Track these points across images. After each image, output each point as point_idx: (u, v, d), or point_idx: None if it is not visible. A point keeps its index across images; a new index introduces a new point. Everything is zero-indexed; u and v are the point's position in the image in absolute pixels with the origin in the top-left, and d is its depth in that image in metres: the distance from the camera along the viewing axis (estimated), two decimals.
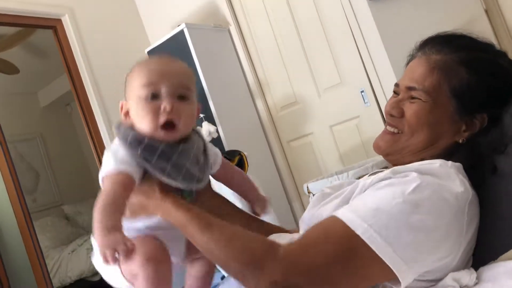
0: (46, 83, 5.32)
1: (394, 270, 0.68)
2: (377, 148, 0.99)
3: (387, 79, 2.53)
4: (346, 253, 0.69)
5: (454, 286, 0.73)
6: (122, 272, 0.78)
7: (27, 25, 3.17)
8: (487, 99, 0.88)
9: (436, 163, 0.81)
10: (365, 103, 2.70)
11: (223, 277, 2.70)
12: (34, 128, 5.28)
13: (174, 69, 0.85)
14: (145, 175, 0.83)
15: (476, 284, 0.74)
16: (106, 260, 0.68)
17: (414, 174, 0.75)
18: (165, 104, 0.80)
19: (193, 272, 0.95)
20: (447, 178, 0.77)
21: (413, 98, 0.91)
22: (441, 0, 2.47)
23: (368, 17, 2.54)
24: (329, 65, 2.83)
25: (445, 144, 0.90)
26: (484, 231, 0.81)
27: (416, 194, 0.72)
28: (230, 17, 3.21)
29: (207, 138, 2.63)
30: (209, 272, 0.95)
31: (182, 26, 2.90)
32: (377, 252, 0.68)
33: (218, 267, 0.92)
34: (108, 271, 0.86)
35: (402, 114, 0.92)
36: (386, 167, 0.96)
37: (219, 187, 1.02)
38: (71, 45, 3.17)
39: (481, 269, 0.77)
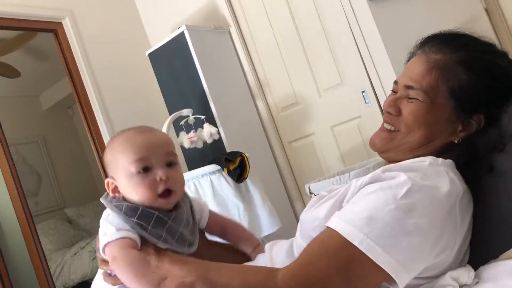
0: (47, 86, 5.33)
1: (394, 276, 0.68)
2: (373, 145, 1.00)
3: (388, 79, 2.53)
4: (344, 264, 0.69)
5: (454, 286, 0.73)
6: None
7: (28, 28, 3.18)
8: (485, 100, 0.87)
9: (426, 161, 0.81)
10: (366, 103, 2.70)
11: None
12: (36, 131, 5.29)
13: (158, 140, 0.88)
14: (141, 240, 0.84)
15: (476, 283, 0.74)
16: None
17: (404, 177, 0.75)
18: (160, 175, 0.83)
19: None
20: (436, 176, 0.77)
21: (410, 97, 0.91)
22: None
23: (368, 17, 2.54)
24: (330, 65, 2.83)
25: (440, 144, 0.90)
26: (483, 230, 0.81)
27: (408, 198, 0.72)
28: (230, 19, 3.21)
29: (209, 140, 2.63)
30: None
31: (183, 28, 2.90)
32: (375, 260, 0.68)
33: None
34: None
35: (399, 112, 0.93)
36: None
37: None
38: (72, 48, 3.18)
39: (481, 268, 0.77)
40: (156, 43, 3.18)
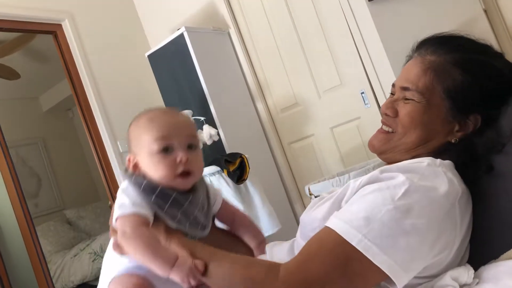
0: (47, 88, 5.34)
1: (391, 276, 0.69)
2: (371, 147, 1.01)
3: (387, 80, 2.53)
4: (342, 263, 0.70)
5: (454, 286, 0.73)
6: None
7: (28, 30, 3.18)
8: (480, 100, 0.88)
9: (424, 162, 0.82)
10: (365, 104, 2.71)
11: None
12: (35, 133, 5.29)
13: (182, 121, 0.90)
14: (155, 217, 0.85)
15: (477, 283, 0.74)
16: (194, 283, 0.75)
17: (402, 177, 0.76)
18: (181, 156, 0.83)
19: None
20: (434, 177, 0.78)
21: (407, 98, 0.92)
22: (440, 0, 2.47)
23: (367, 18, 2.54)
24: (329, 66, 2.83)
25: (437, 144, 0.91)
26: (483, 230, 0.81)
27: (405, 199, 0.73)
28: (229, 20, 3.21)
29: (208, 141, 2.63)
30: None
31: (182, 29, 2.90)
32: (373, 261, 0.68)
33: None
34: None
35: (396, 114, 0.94)
36: None
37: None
38: (71, 50, 3.19)
39: (482, 268, 0.77)
40: (156, 45, 3.18)
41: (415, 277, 0.75)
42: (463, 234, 0.78)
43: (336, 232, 0.72)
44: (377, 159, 2.25)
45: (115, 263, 0.85)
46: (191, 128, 0.90)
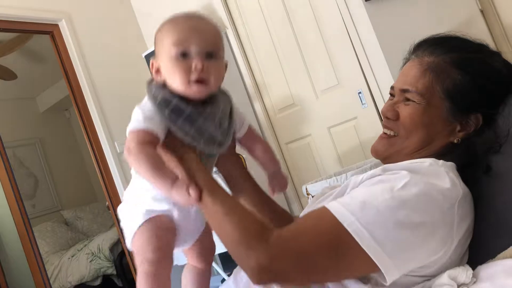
0: (44, 88, 5.32)
1: (378, 264, 0.69)
2: (375, 153, 1.01)
3: (384, 80, 2.54)
4: (333, 243, 0.71)
5: (452, 285, 0.73)
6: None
7: (24, 30, 3.17)
8: (480, 99, 0.88)
9: (426, 162, 0.82)
10: (362, 104, 2.71)
11: (223, 280, 2.70)
12: (33, 133, 5.28)
13: (203, 27, 0.86)
14: (168, 133, 0.85)
15: (474, 283, 0.74)
16: (190, 201, 0.76)
17: (404, 172, 0.77)
18: (195, 63, 0.82)
19: (190, 269, 0.97)
20: (436, 177, 0.78)
21: (407, 100, 0.92)
22: (437, 1, 2.48)
23: (364, 18, 2.55)
24: (326, 66, 2.84)
25: (440, 145, 0.91)
26: (481, 230, 0.82)
27: (404, 190, 0.73)
28: (227, 20, 3.21)
29: None
30: (206, 272, 0.97)
31: None
32: (361, 245, 0.69)
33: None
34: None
35: (397, 117, 0.94)
36: None
37: None
38: (68, 50, 3.17)
39: (479, 267, 0.78)
40: (153, 45, 3.17)
41: (413, 276, 0.76)
42: (461, 236, 0.78)
43: (331, 213, 0.73)
44: (374, 159, 2.25)
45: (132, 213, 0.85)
46: (215, 36, 0.87)
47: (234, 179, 0.93)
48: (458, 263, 0.80)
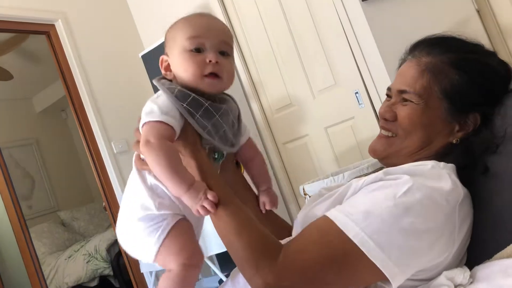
0: (40, 88, 5.31)
1: (386, 274, 0.69)
2: (373, 152, 1.00)
3: (381, 80, 2.54)
4: (338, 255, 0.70)
5: (449, 286, 0.73)
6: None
7: (20, 31, 3.16)
8: (478, 99, 0.88)
9: (428, 165, 0.82)
10: (359, 104, 2.71)
11: (220, 281, 2.69)
12: (29, 134, 5.26)
13: (218, 26, 0.89)
14: (183, 129, 0.84)
15: (471, 283, 0.74)
16: (203, 212, 0.75)
17: (406, 177, 0.76)
18: (210, 57, 0.83)
19: None
20: (438, 180, 0.78)
21: (405, 100, 0.92)
22: (433, 1, 2.49)
23: (361, 18, 2.55)
24: (323, 66, 2.84)
25: (439, 145, 0.91)
26: (477, 230, 0.82)
27: (407, 197, 0.73)
28: (223, 20, 3.21)
29: None
30: None
31: None
32: (368, 255, 0.69)
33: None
34: (134, 246, 0.88)
35: (395, 118, 0.94)
36: (381, 168, 0.96)
37: None
38: (64, 50, 3.17)
39: (476, 268, 0.77)
40: (149, 45, 3.17)
41: (412, 280, 0.76)
42: (462, 238, 0.78)
43: (335, 224, 0.72)
44: (371, 159, 2.26)
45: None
46: (228, 34, 0.89)
47: (234, 188, 0.92)
48: (457, 265, 0.79)
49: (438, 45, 0.94)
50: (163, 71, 0.90)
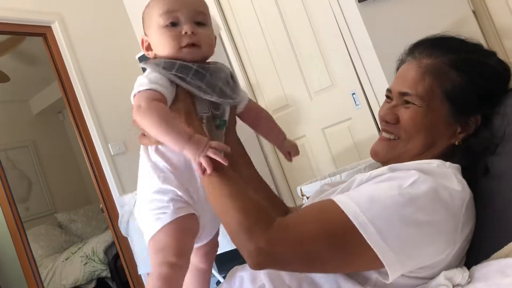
0: (37, 90, 5.29)
1: (381, 258, 0.69)
2: (375, 155, 0.99)
3: (378, 81, 2.55)
4: (336, 234, 0.71)
5: (447, 286, 0.73)
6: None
7: (17, 32, 3.16)
8: (479, 100, 0.88)
9: (434, 163, 0.82)
10: (356, 105, 2.72)
11: (218, 282, 2.69)
12: (26, 136, 5.25)
13: None
14: (174, 100, 0.85)
15: (468, 283, 0.74)
16: (205, 163, 0.74)
17: (413, 171, 0.76)
18: (185, 29, 0.85)
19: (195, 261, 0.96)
20: (444, 178, 0.78)
21: (407, 103, 0.91)
22: (429, 1, 2.49)
23: (357, 19, 2.55)
24: (320, 67, 2.84)
25: (442, 147, 0.91)
26: (476, 230, 0.82)
27: (412, 188, 0.73)
28: (220, 22, 3.21)
29: None
30: (207, 272, 0.96)
31: None
32: (366, 238, 0.69)
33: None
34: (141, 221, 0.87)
35: (397, 120, 0.93)
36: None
37: None
38: (61, 52, 3.16)
39: (474, 268, 0.78)
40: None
41: (412, 277, 0.76)
42: (463, 239, 0.78)
43: (337, 204, 0.73)
44: (369, 159, 2.26)
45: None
46: (201, 4, 0.90)
47: (235, 159, 0.90)
48: (457, 265, 0.80)
49: (438, 46, 0.94)
50: (144, 51, 0.91)
